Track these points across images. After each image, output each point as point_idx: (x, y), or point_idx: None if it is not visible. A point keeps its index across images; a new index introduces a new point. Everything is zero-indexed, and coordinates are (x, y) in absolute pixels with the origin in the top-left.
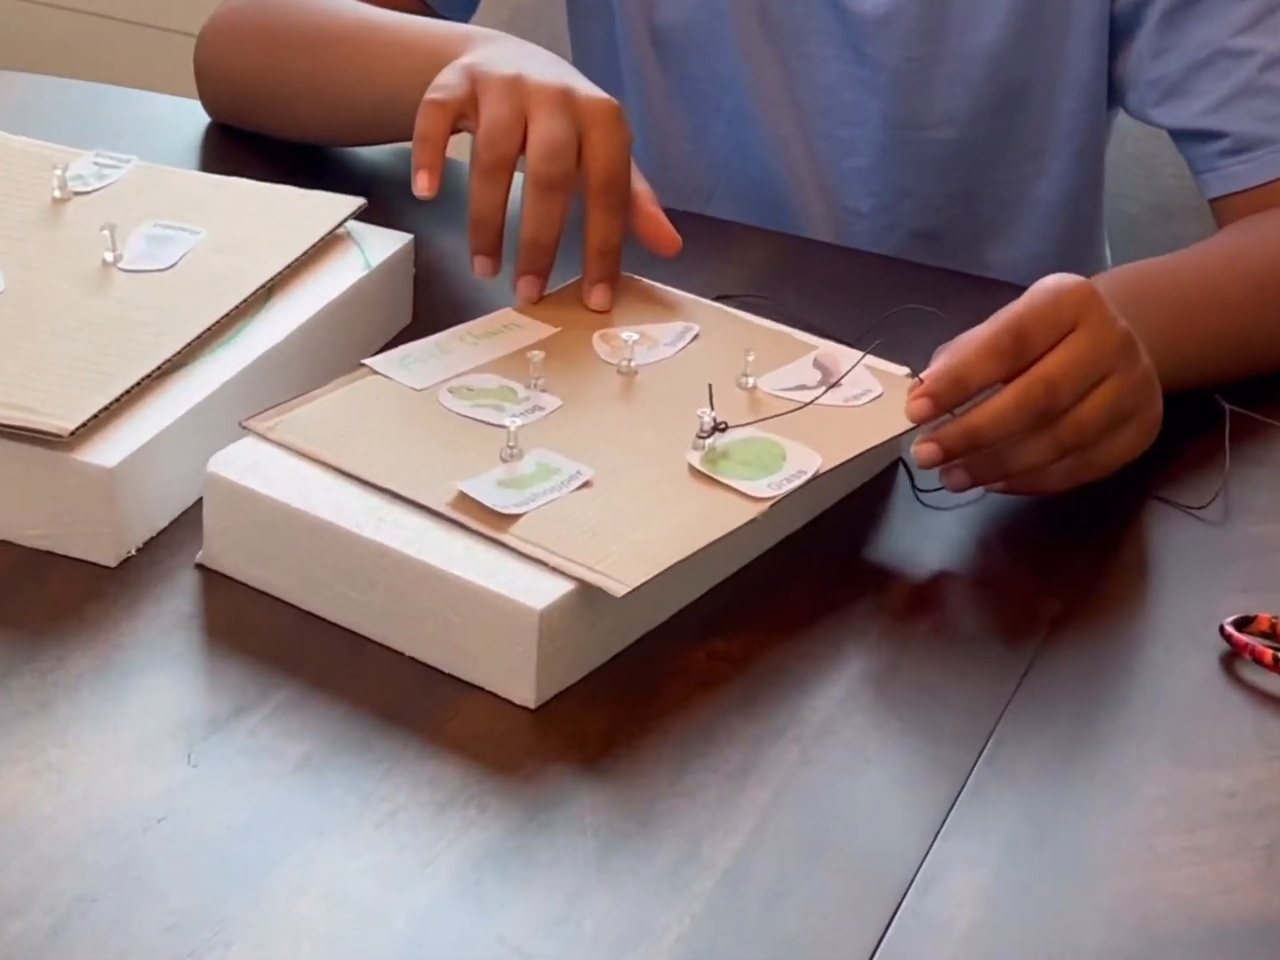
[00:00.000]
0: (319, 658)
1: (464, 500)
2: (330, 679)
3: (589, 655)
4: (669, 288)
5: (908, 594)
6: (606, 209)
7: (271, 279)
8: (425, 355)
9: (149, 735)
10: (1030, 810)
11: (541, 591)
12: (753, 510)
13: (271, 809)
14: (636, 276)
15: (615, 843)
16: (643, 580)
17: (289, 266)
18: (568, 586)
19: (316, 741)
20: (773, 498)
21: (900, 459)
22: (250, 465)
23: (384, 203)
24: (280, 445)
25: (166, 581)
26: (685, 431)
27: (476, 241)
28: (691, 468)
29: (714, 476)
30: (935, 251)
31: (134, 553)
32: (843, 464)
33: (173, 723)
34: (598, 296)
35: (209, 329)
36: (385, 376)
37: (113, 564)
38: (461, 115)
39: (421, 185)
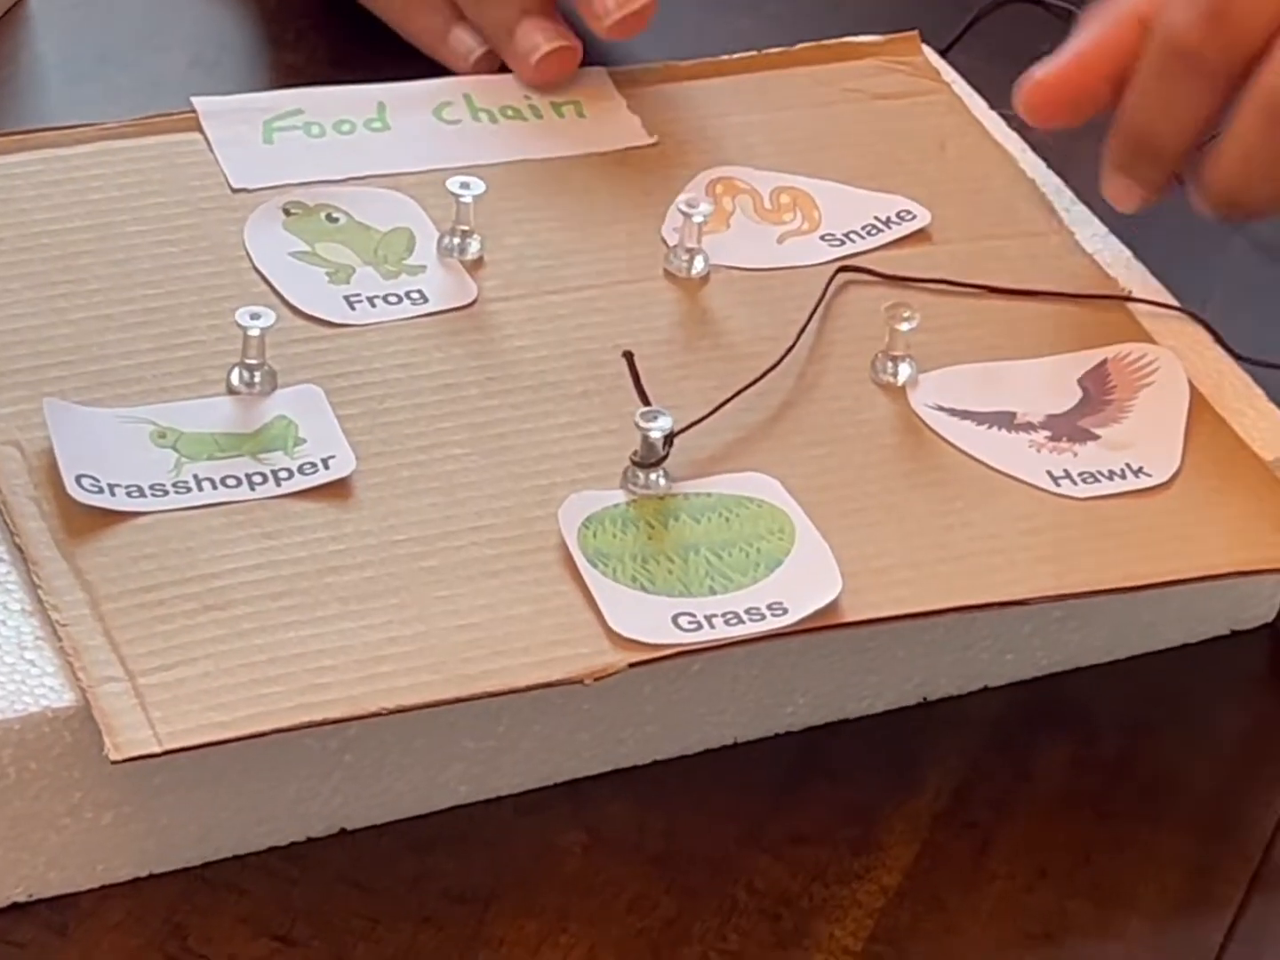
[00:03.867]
0: None
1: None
2: None
3: (96, 847)
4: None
5: None
6: None
7: None
8: (308, 120)
9: None
10: None
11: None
12: (581, 668)
13: None
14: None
15: None
16: (183, 745)
17: None
18: (69, 704)
19: None
20: (657, 651)
21: None
22: None
23: None
24: None
25: None
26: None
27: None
28: (562, 539)
29: (586, 567)
30: None
31: None
32: (917, 615)
33: None
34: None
35: None
36: (205, 138)
37: None
38: None
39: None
